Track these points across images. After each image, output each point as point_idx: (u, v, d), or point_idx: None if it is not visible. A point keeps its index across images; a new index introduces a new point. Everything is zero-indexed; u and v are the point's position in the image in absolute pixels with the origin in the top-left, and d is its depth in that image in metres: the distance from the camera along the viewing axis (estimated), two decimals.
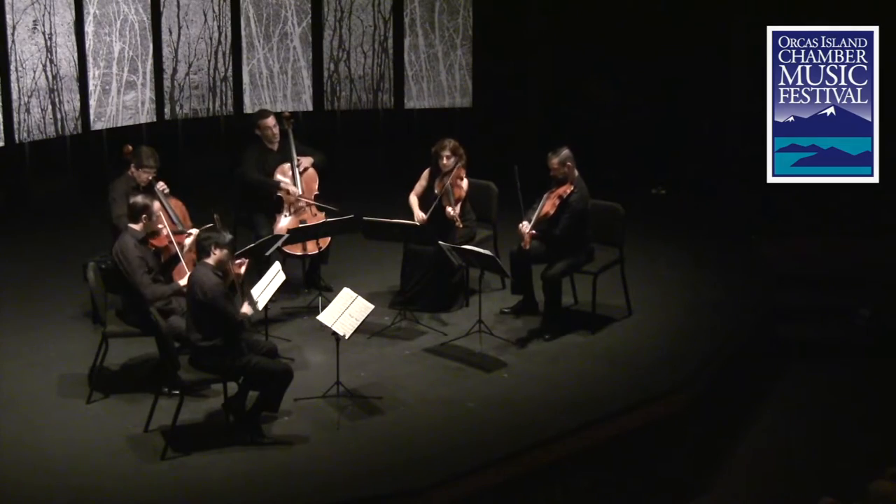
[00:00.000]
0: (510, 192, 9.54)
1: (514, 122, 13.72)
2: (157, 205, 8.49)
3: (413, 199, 9.75)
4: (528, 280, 9.49)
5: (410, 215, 9.63)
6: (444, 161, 9.61)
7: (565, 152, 9.20)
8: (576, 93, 13.76)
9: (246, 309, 7.83)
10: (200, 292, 7.61)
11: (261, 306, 8.31)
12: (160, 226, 8.52)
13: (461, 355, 8.99)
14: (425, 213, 9.56)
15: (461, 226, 9.48)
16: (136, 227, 8.34)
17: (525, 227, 9.13)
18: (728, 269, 10.71)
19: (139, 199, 8.41)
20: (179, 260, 8.52)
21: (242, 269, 8.00)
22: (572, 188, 9.14)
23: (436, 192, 9.61)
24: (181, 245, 8.56)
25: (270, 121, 9.97)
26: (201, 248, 7.79)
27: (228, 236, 7.84)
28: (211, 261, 7.73)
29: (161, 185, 9.07)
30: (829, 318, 10.65)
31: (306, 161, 9.94)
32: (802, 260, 11.13)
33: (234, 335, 7.69)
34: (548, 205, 9.10)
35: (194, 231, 8.70)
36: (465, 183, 9.65)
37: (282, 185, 9.78)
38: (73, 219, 11.76)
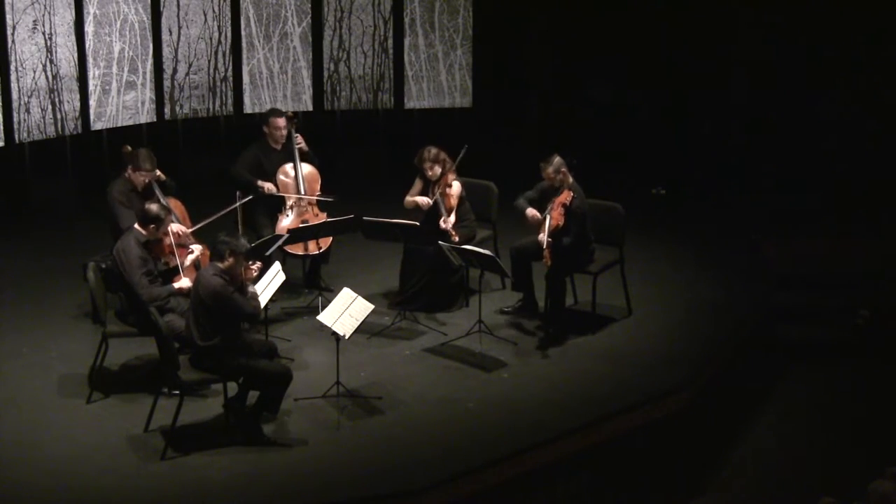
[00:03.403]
0: (510, 192, 9.53)
1: (514, 122, 13.73)
2: (169, 218, 8.48)
3: (410, 199, 9.73)
4: (529, 277, 9.49)
5: (410, 216, 9.61)
6: (430, 173, 9.59)
7: (557, 159, 9.17)
8: (576, 93, 13.77)
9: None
10: (205, 294, 7.62)
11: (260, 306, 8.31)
12: (166, 236, 8.50)
13: (461, 355, 8.99)
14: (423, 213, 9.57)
15: (456, 238, 9.41)
16: (143, 231, 8.33)
17: (543, 237, 8.96)
18: (728, 269, 10.71)
19: (155, 207, 8.38)
20: (179, 272, 8.50)
21: (255, 273, 7.98)
22: (572, 194, 9.11)
23: (429, 199, 9.59)
24: (183, 259, 8.55)
25: (281, 122, 9.92)
26: (216, 252, 7.81)
27: (245, 244, 7.84)
28: (221, 265, 7.74)
29: (158, 174, 9.05)
30: (829, 318, 10.65)
31: (301, 142, 9.92)
32: (802, 260, 11.13)
33: (239, 329, 7.70)
34: (555, 216, 9.05)
35: (197, 247, 8.68)
36: (455, 190, 9.60)
37: (260, 184, 9.72)
38: (73, 219, 11.76)
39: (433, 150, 9.58)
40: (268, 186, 9.75)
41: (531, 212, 9.17)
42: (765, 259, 10.99)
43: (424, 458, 7.66)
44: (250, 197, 9.20)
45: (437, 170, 9.57)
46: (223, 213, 9.10)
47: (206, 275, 7.74)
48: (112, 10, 12.26)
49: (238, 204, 9.17)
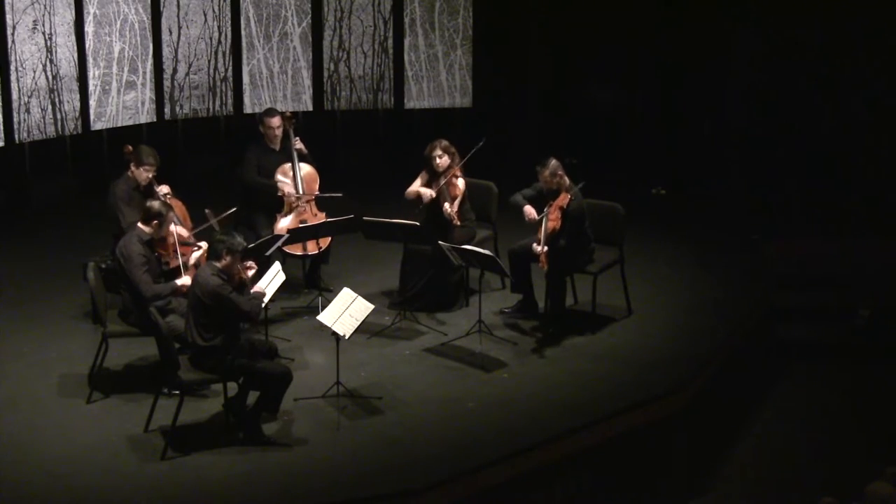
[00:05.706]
0: (510, 192, 9.53)
1: (514, 122, 13.72)
2: (170, 215, 8.48)
3: (412, 189, 9.71)
4: (528, 278, 9.49)
5: (410, 215, 9.61)
6: (438, 161, 9.60)
7: (553, 163, 9.19)
8: (575, 93, 13.77)
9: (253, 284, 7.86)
10: (202, 293, 7.62)
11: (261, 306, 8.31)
12: (169, 235, 8.50)
13: (461, 355, 8.99)
14: (423, 212, 9.57)
15: (458, 223, 9.45)
16: (146, 228, 8.33)
17: (538, 248, 9.02)
18: (728, 269, 10.71)
19: (157, 204, 8.38)
20: (181, 273, 8.49)
21: (251, 273, 7.98)
22: (569, 197, 9.12)
23: (433, 192, 9.61)
24: (188, 256, 8.54)
25: (275, 121, 9.91)
26: (213, 251, 7.80)
27: (241, 242, 7.84)
28: (218, 264, 7.74)
29: (164, 189, 9.04)
30: (829, 318, 10.65)
31: (299, 144, 9.91)
32: (802, 260, 11.13)
33: (239, 329, 7.69)
34: (552, 219, 9.07)
35: (203, 244, 8.68)
36: (461, 181, 9.64)
37: (279, 185, 9.77)
38: (73, 219, 11.76)
39: (444, 142, 9.64)
40: (287, 190, 9.75)
41: (528, 210, 9.17)
42: (765, 259, 10.99)
43: (424, 458, 7.66)
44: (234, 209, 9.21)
45: (446, 160, 9.59)
46: (223, 216, 9.07)
47: (203, 274, 7.74)
48: (112, 10, 12.26)
49: (232, 210, 9.16)
